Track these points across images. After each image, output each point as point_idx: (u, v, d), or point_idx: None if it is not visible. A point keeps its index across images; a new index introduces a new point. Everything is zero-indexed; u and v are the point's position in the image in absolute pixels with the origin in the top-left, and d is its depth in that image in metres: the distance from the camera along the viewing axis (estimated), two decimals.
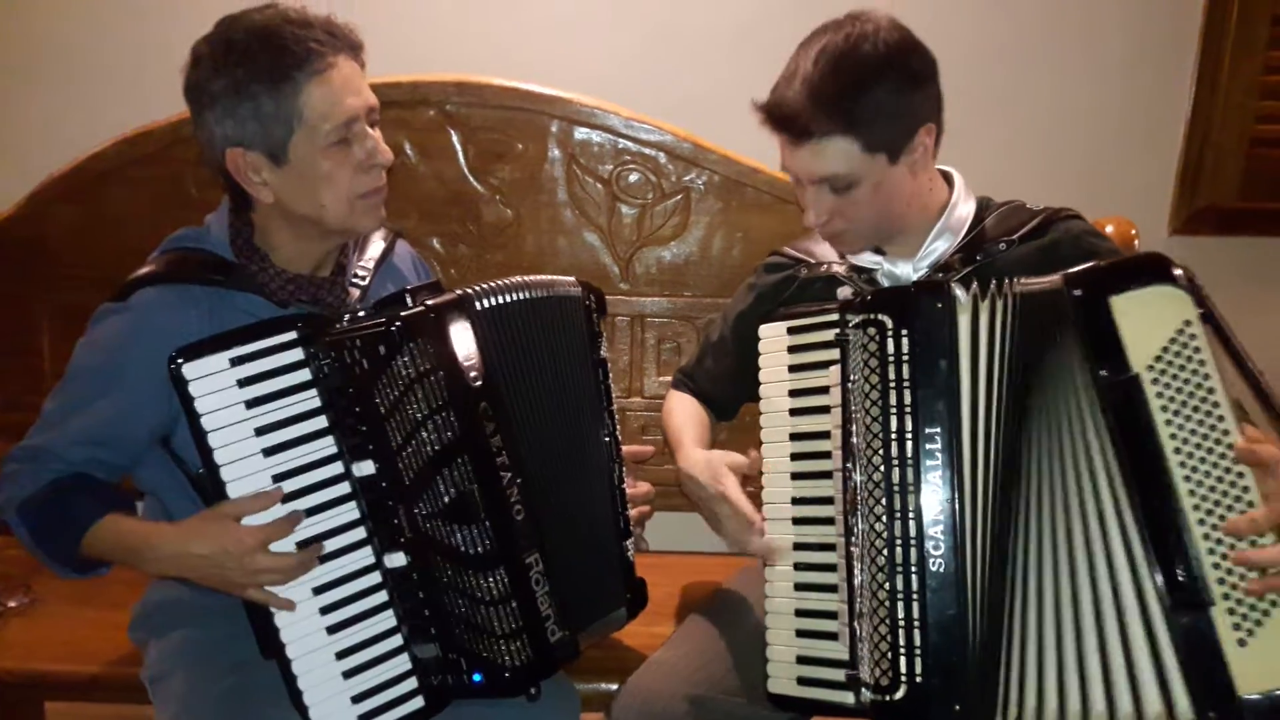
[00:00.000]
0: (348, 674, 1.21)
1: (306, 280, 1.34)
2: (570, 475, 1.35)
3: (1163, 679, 1.11)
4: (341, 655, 1.21)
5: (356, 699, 1.21)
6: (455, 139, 1.91)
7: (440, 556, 1.23)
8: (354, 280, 1.39)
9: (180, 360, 1.15)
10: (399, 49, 1.94)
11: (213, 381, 1.16)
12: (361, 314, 1.26)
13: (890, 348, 1.21)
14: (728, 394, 1.62)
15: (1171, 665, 1.11)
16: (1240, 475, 1.10)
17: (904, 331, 1.20)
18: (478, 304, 1.26)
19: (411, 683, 1.25)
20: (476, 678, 1.25)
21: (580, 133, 1.90)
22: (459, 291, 1.27)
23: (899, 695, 1.18)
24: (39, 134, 2.00)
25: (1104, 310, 1.16)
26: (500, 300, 1.29)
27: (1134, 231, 1.77)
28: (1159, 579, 1.11)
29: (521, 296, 1.31)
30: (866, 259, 1.45)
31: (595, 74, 1.94)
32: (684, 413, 1.60)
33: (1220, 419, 1.11)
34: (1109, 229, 1.71)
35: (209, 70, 1.25)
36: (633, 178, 1.92)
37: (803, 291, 1.49)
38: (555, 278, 1.37)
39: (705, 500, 1.40)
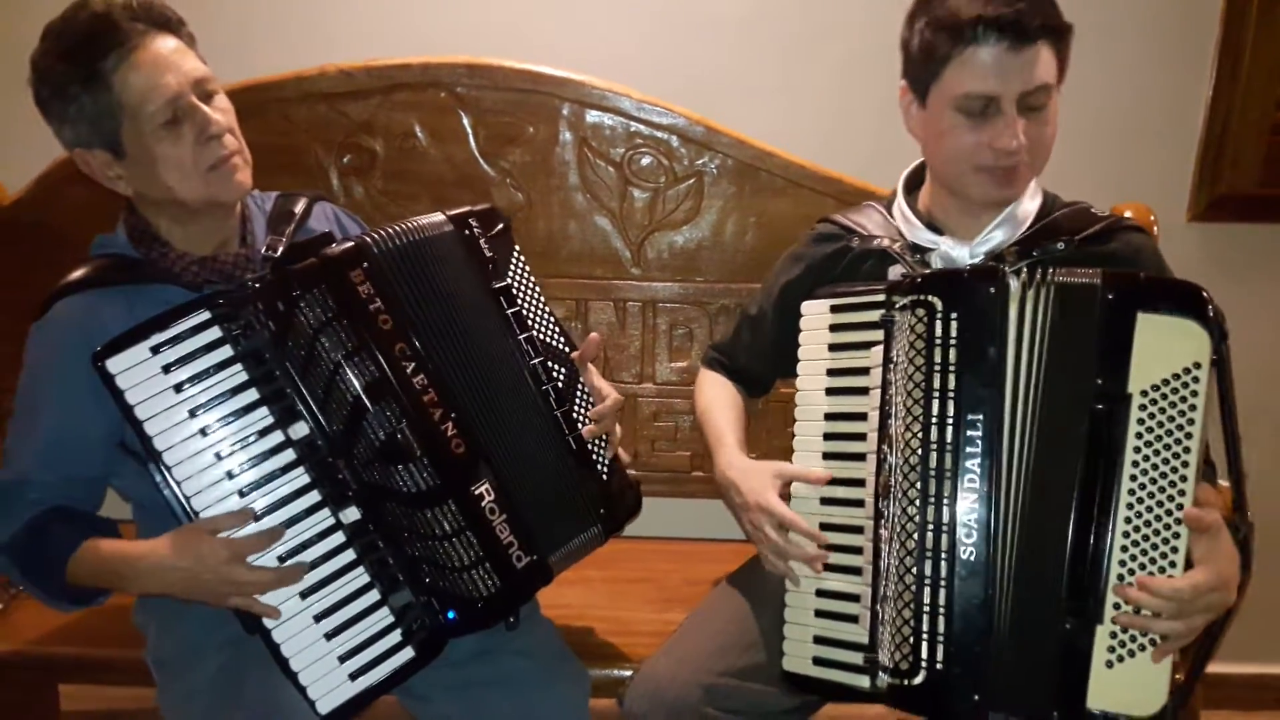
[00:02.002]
0: (330, 635, 1.24)
1: (213, 261, 1.33)
2: (504, 404, 1.36)
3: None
4: (320, 617, 1.23)
5: (344, 658, 1.24)
6: (466, 121, 1.89)
7: (390, 501, 1.26)
8: (267, 253, 1.36)
9: (103, 357, 1.17)
10: (410, 31, 1.93)
11: (137, 372, 1.19)
12: (262, 277, 1.27)
13: (938, 330, 1.21)
14: (765, 369, 1.61)
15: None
16: (1176, 535, 1.13)
17: (953, 315, 1.20)
18: (375, 249, 1.29)
19: (396, 635, 1.27)
20: (451, 614, 1.28)
21: (592, 115, 1.88)
22: (351, 239, 1.30)
23: (918, 680, 1.18)
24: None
25: (1129, 322, 1.16)
26: (395, 244, 1.31)
27: (1153, 218, 1.75)
28: (1064, 582, 1.16)
29: (414, 239, 1.33)
30: (924, 238, 1.42)
31: (607, 56, 1.92)
32: (722, 404, 1.57)
33: (1183, 478, 1.13)
34: (1127, 214, 1.69)
35: (38, 79, 1.26)
36: (645, 161, 1.91)
37: (853, 267, 1.46)
38: (429, 217, 1.37)
39: (741, 513, 1.38)
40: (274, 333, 1.23)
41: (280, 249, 1.35)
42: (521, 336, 1.39)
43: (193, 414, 1.20)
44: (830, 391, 1.32)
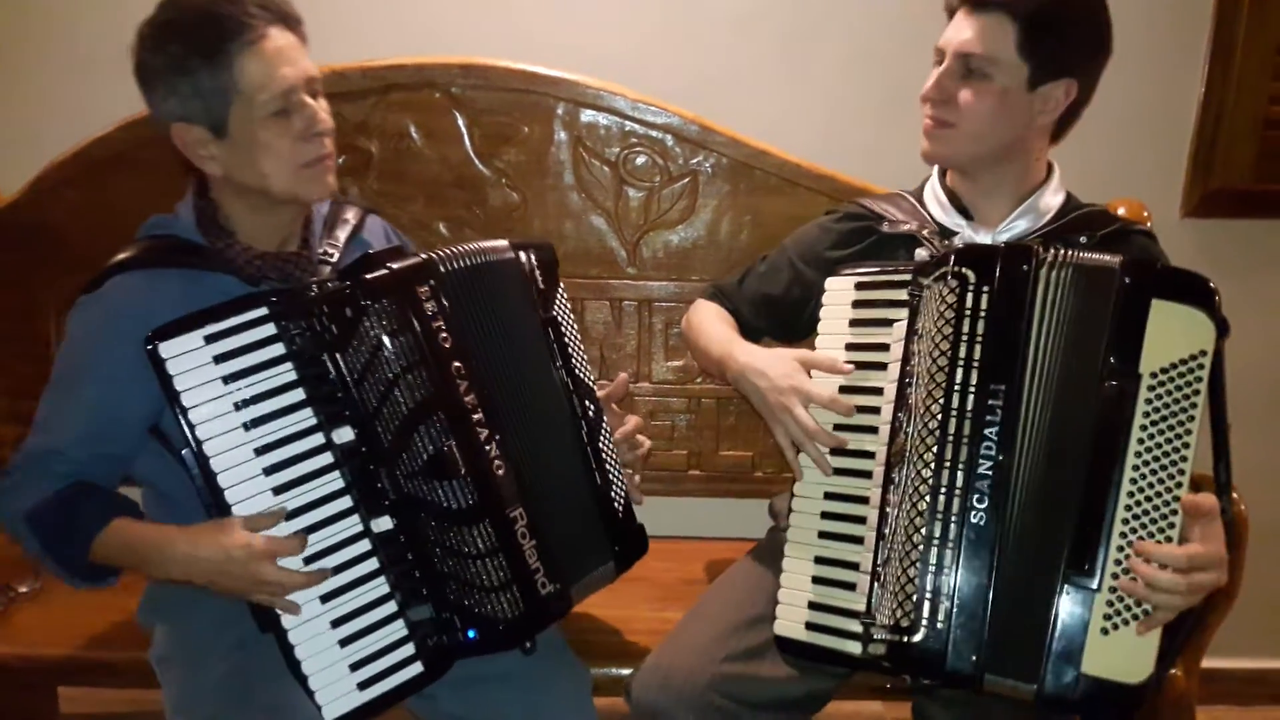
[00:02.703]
0: (344, 642, 1.24)
1: (274, 257, 1.35)
2: (543, 432, 1.39)
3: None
4: (337, 623, 1.24)
5: (355, 666, 1.24)
6: (461, 122, 1.89)
7: (425, 515, 1.27)
8: (324, 256, 1.39)
9: (156, 341, 1.18)
10: (404, 31, 1.93)
11: (189, 359, 1.19)
12: (328, 283, 1.29)
13: (969, 301, 1.25)
14: (760, 323, 1.64)
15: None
16: (1174, 512, 1.19)
17: (985, 288, 1.25)
18: (441, 267, 1.31)
19: (409, 649, 1.27)
20: (471, 634, 1.29)
21: (586, 115, 1.89)
22: (423, 255, 1.32)
23: (917, 638, 1.21)
24: (45, 118, 1.98)
25: (1144, 306, 1.22)
26: (461, 264, 1.34)
27: (1146, 213, 1.76)
28: (1067, 548, 1.21)
29: (478, 261, 1.36)
30: (952, 221, 1.47)
31: (601, 56, 1.92)
32: (724, 318, 1.61)
33: (1184, 458, 1.19)
34: (1121, 210, 1.70)
35: (150, 49, 1.27)
36: (639, 160, 1.91)
37: (879, 247, 1.49)
38: (494, 242, 1.41)
39: (770, 394, 1.38)
40: (335, 337, 1.24)
41: (339, 253, 1.39)
42: (562, 368, 1.43)
43: (238, 407, 1.21)
44: (847, 374, 1.35)
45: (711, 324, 1.59)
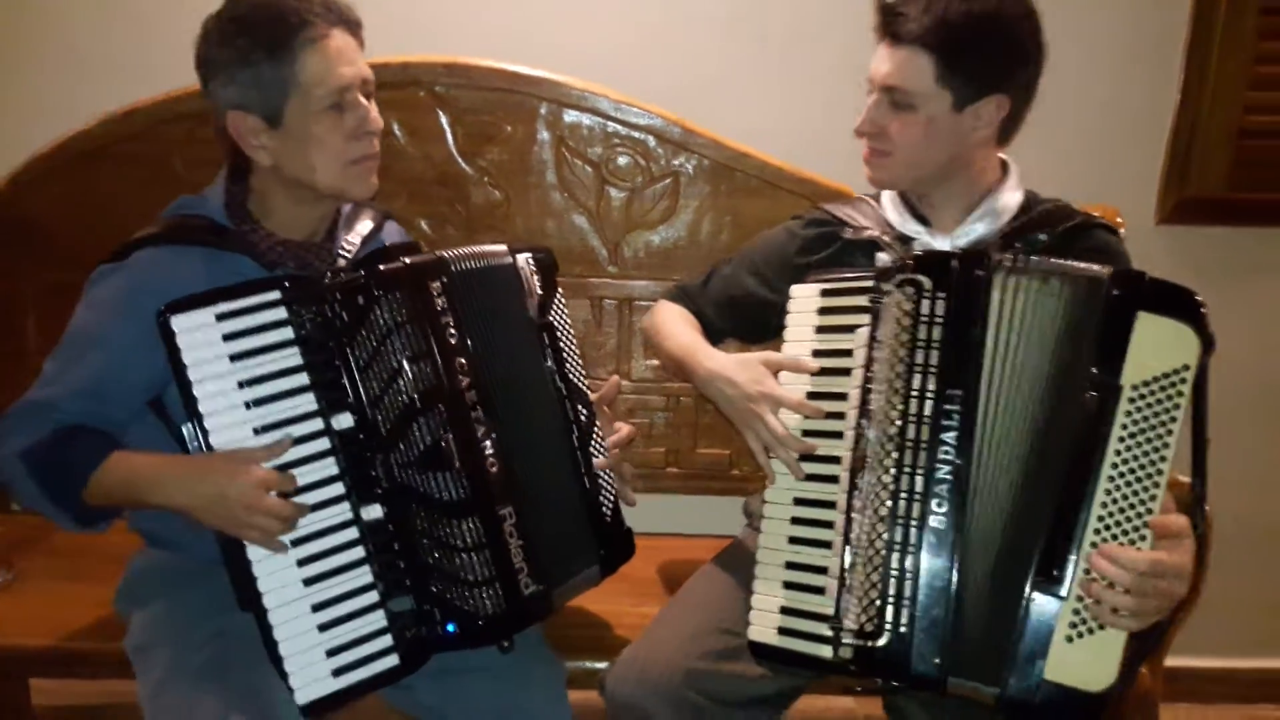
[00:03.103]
0: (323, 627, 1.25)
1: (295, 245, 1.38)
2: (536, 434, 1.41)
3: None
4: (318, 608, 1.25)
5: (331, 652, 1.25)
6: (444, 120, 1.90)
7: (416, 504, 1.29)
8: (342, 251, 1.43)
9: (168, 314, 1.20)
10: (389, 30, 1.93)
11: (199, 335, 1.21)
12: (342, 272, 1.33)
13: (925, 308, 1.26)
14: (724, 324, 1.64)
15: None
16: (1146, 525, 1.18)
17: (940, 294, 1.26)
18: (452, 266, 1.35)
19: (386, 640, 1.28)
20: (450, 627, 1.30)
21: (570, 115, 1.90)
22: (435, 254, 1.36)
23: (881, 642, 1.22)
24: (28, 112, 1.98)
25: (1129, 318, 1.21)
26: (470, 265, 1.38)
27: (1120, 220, 1.78)
28: (1037, 555, 1.21)
29: (484, 263, 1.40)
30: (909, 228, 1.48)
31: (585, 57, 1.93)
32: (688, 320, 1.61)
33: (1160, 471, 1.19)
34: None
35: (215, 41, 1.32)
36: (622, 161, 1.92)
37: (843, 254, 1.51)
38: (496, 246, 1.44)
39: (740, 401, 1.39)
40: (346, 324, 1.27)
41: (355, 250, 1.42)
42: (557, 372, 1.45)
43: (242, 385, 1.22)
44: (814, 372, 1.36)
45: (674, 326, 1.59)
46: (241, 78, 1.30)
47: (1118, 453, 1.19)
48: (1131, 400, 1.19)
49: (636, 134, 1.90)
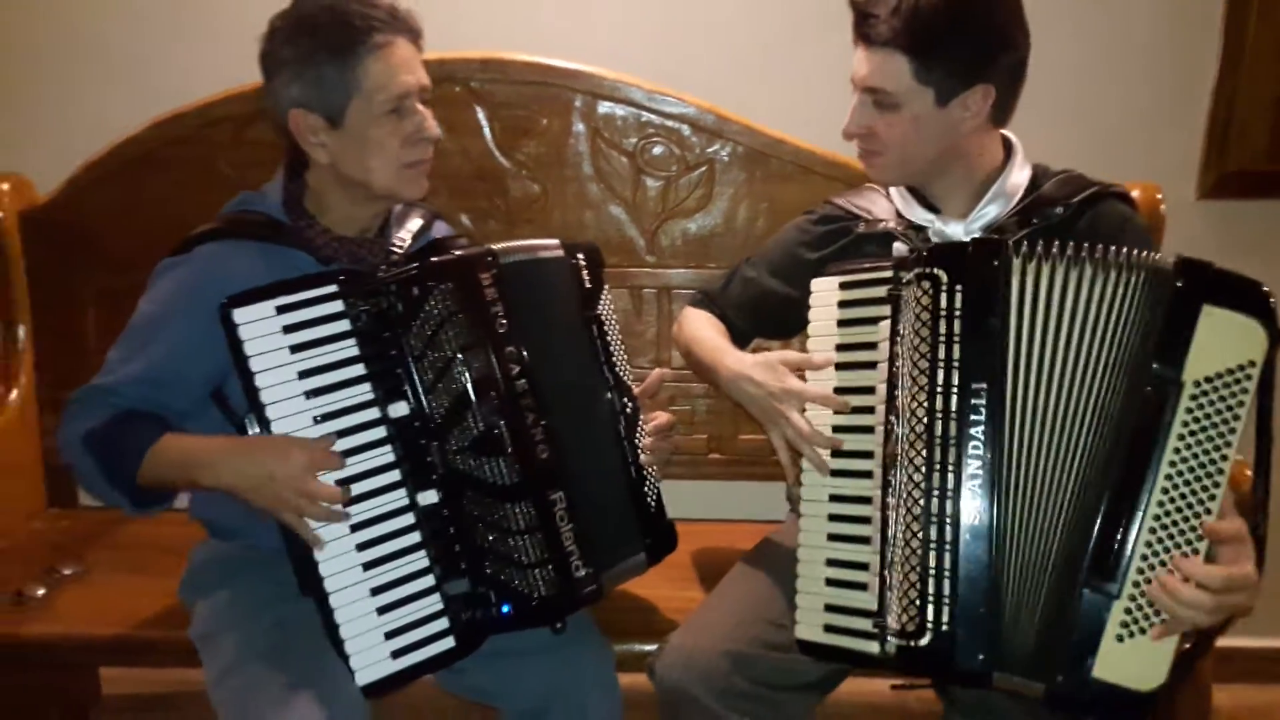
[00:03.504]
0: (382, 610, 1.28)
1: (349, 241, 1.43)
2: (584, 423, 1.45)
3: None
4: (376, 591, 1.28)
5: (390, 634, 1.28)
6: (481, 115, 1.93)
7: (470, 489, 1.32)
8: (394, 246, 1.47)
9: (231, 307, 1.24)
10: (425, 27, 1.96)
11: (260, 327, 1.25)
12: (395, 266, 1.37)
13: (943, 302, 1.24)
14: (748, 327, 1.65)
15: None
16: (1201, 535, 1.16)
17: (958, 287, 1.24)
18: (502, 258, 1.38)
19: (443, 622, 1.32)
20: (505, 608, 1.33)
21: (604, 107, 1.92)
22: (485, 246, 1.40)
23: (924, 641, 1.21)
24: (79, 119, 2.03)
25: (1194, 311, 1.17)
26: (519, 258, 1.41)
27: (1160, 196, 1.77)
28: (1090, 552, 1.18)
29: (534, 256, 1.45)
30: (919, 216, 1.47)
31: (618, 48, 1.95)
32: (713, 325, 1.62)
33: (1220, 470, 1.16)
34: (1135, 194, 1.70)
35: (281, 40, 1.37)
36: (657, 150, 1.94)
37: (858, 247, 1.51)
38: (547, 241, 1.48)
39: (764, 400, 1.40)
40: (401, 315, 1.31)
41: (406, 246, 1.46)
42: (604, 364, 1.49)
43: (302, 376, 1.26)
44: (840, 367, 1.36)
45: (701, 331, 1.59)
46: (306, 77, 1.34)
47: (1177, 450, 1.16)
48: (1193, 397, 1.16)
49: (670, 123, 1.92)
